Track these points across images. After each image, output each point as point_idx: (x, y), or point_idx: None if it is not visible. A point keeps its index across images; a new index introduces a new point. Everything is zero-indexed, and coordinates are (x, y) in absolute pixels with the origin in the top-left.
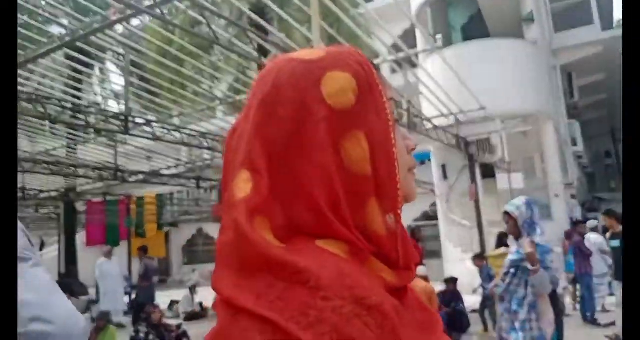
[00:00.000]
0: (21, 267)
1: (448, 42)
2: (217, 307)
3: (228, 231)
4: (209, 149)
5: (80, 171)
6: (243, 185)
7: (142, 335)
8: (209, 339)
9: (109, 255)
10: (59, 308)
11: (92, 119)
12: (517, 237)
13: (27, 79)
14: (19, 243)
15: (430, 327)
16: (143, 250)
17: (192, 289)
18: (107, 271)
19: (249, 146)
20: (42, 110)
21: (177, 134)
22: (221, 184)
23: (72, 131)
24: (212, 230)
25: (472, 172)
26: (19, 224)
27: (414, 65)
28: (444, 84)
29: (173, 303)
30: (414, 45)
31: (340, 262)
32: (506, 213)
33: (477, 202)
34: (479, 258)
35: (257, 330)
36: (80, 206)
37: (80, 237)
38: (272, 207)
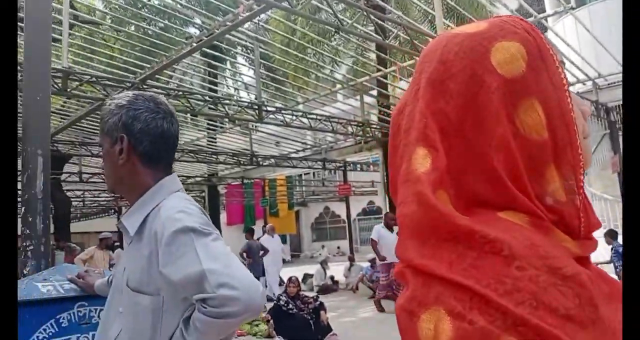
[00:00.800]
0: (204, 241)
1: (581, 1)
2: (403, 276)
3: (410, 204)
4: (332, 132)
5: (220, 158)
6: (422, 161)
7: (282, 302)
8: (402, 304)
9: (271, 232)
10: (240, 276)
11: (229, 110)
12: None
13: (171, 77)
14: (200, 220)
15: (615, 298)
16: (250, 232)
17: (324, 264)
18: (270, 247)
19: (422, 123)
20: (187, 104)
21: (304, 120)
22: (387, 161)
23: (211, 122)
24: (338, 208)
25: (613, 141)
26: (197, 205)
27: (544, 29)
28: (578, 47)
29: (307, 276)
30: (542, 10)
31: (529, 233)
32: None
33: (620, 174)
34: (610, 235)
35: (452, 296)
36: (221, 189)
37: (222, 218)
38: (451, 181)
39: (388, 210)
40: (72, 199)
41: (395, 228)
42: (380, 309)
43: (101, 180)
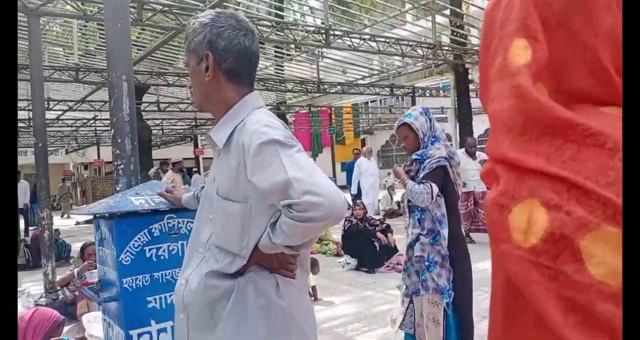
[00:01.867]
0: (289, 152)
1: None
2: (492, 174)
3: (506, 98)
4: (401, 55)
5: (288, 85)
6: (521, 52)
7: (354, 221)
8: (493, 198)
9: (368, 154)
10: (323, 184)
11: (296, 36)
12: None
13: (238, 4)
14: (283, 133)
15: None
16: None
17: (390, 189)
18: (367, 169)
19: (523, 13)
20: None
21: (372, 43)
22: (459, 86)
23: (278, 49)
24: None
25: None
26: (280, 120)
27: None
28: None
29: None
30: None
31: None
32: (403, 126)
33: None
34: None
35: (549, 188)
36: (289, 118)
37: None
38: (551, 75)
39: (459, 137)
40: (152, 127)
41: (477, 155)
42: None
43: (177, 110)
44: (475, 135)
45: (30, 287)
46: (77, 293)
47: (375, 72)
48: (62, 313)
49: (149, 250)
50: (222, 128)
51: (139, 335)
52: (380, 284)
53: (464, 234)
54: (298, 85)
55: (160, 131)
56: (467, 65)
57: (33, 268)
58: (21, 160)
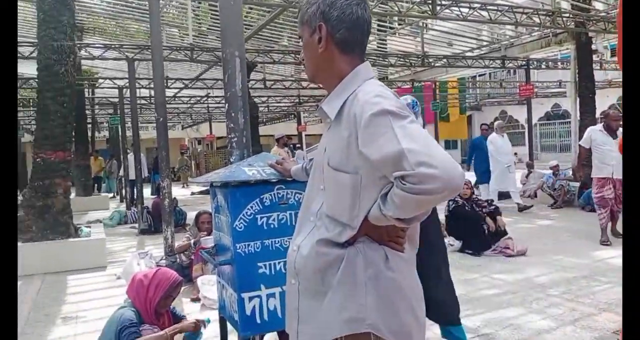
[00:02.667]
0: (401, 122)
1: None
2: None
3: None
4: (515, 24)
5: (391, 60)
6: None
7: (459, 202)
8: None
9: (501, 131)
10: (439, 155)
11: (400, 8)
12: None
13: None
14: (396, 104)
15: None
16: None
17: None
18: (501, 147)
19: None
20: None
21: (483, 12)
22: (580, 56)
23: (381, 22)
24: (516, 112)
25: None
26: (392, 91)
27: None
28: None
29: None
30: None
31: None
32: None
33: None
34: None
35: None
36: None
37: None
38: None
39: (578, 114)
40: (258, 105)
41: (619, 132)
42: (606, 241)
43: (282, 87)
44: (598, 112)
45: (152, 250)
46: (192, 257)
47: (485, 43)
48: (180, 275)
49: (260, 218)
50: (333, 99)
51: (250, 298)
52: (485, 268)
53: (603, 228)
54: (401, 59)
55: (266, 108)
56: (590, 34)
57: (154, 233)
58: (143, 134)
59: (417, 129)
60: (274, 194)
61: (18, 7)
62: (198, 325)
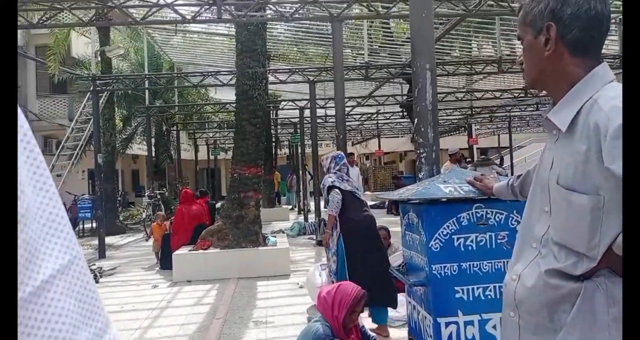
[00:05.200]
0: None
1: None
2: None
3: None
4: None
5: None
6: None
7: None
8: None
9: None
10: None
11: None
12: None
13: None
14: None
15: None
16: None
17: None
18: None
19: None
20: None
21: None
22: None
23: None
24: None
25: None
26: None
27: None
28: None
29: None
30: None
31: None
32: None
33: None
34: None
35: None
36: None
37: None
38: None
39: None
40: None
41: None
42: None
43: (455, 99)
44: None
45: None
46: None
47: None
48: None
49: (457, 239)
50: (564, 108)
51: (447, 324)
52: None
53: None
54: None
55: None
56: None
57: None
58: (321, 151)
59: None
60: (472, 213)
61: (218, 41)
62: None
